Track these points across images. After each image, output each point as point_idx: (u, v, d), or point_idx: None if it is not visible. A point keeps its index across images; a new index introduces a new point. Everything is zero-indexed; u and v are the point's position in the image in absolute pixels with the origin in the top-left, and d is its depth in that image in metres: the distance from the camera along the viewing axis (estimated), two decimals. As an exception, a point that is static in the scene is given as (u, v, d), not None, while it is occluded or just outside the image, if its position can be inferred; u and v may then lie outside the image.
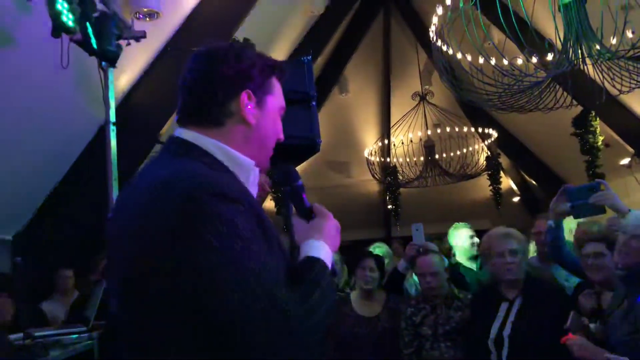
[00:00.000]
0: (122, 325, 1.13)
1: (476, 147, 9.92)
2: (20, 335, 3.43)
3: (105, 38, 3.72)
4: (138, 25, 4.54)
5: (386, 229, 13.68)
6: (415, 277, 3.79)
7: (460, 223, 4.28)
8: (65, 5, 3.39)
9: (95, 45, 3.72)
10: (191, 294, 0.98)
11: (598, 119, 8.17)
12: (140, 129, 5.34)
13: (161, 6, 4.74)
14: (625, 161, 8.86)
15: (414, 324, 3.10)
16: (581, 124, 8.25)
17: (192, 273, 0.98)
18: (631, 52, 4.09)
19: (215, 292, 0.97)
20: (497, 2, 4.39)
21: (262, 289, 1.00)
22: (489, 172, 11.06)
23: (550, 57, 4.61)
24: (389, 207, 12.44)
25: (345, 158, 12.26)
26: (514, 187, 13.81)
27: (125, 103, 5.46)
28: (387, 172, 10.94)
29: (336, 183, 12.39)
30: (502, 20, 4.36)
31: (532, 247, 3.91)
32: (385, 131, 11.77)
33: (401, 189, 11.64)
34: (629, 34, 4.12)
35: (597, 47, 4.12)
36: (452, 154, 9.88)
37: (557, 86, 4.89)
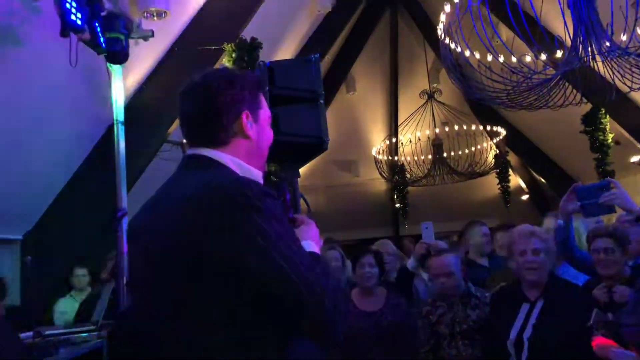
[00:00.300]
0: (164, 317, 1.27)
1: (484, 145, 9.88)
2: (30, 333, 3.45)
3: (113, 37, 3.73)
4: (146, 25, 4.56)
5: (394, 227, 13.66)
6: (424, 275, 3.77)
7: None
8: (74, 4, 3.40)
9: (103, 45, 3.74)
10: (256, 272, 1.18)
11: (608, 116, 8.11)
12: (149, 128, 5.35)
13: (169, 5, 4.75)
14: (635, 159, 8.79)
15: (431, 322, 3.08)
16: (591, 122, 8.20)
17: (255, 254, 1.18)
18: (642, 49, 4.05)
19: (275, 269, 1.17)
20: (506, -1, 4.37)
21: (304, 265, 1.21)
22: (498, 171, 11.02)
23: (559, 54, 4.58)
24: (397, 205, 12.42)
25: (353, 157, 12.24)
26: (523, 186, 13.74)
27: (134, 102, 5.48)
28: (395, 170, 10.93)
29: (344, 182, 12.38)
30: (510, 18, 4.34)
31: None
32: (393, 129, 11.75)
33: (409, 188, 11.62)
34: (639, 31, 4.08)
35: (607, 43, 4.08)
36: (460, 152, 9.85)
37: (567, 83, 4.86)
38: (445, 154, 9.74)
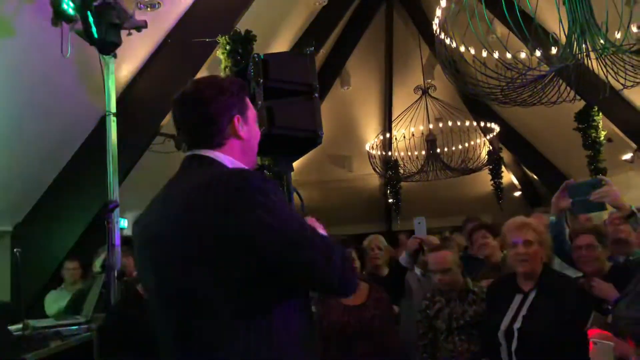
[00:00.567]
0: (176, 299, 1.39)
1: (478, 141, 9.90)
2: (20, 326, 3.42)
3: (106, 27, 3.68)
4: (139, 16, 4.51)
5: (387, 223, 13.68)
6: (417, 270, 3.77)
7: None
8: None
9: (96, 35, 3.69)
10: (266, 245, 1.30)
11: (601, 113, 8.14)
12: (141, 120, 5.31)
13: (163, -4, 4.72)
14: (627, 156, 8.85)
15: (428, 317, 3.09)
16: (584, 119, 8.23)
17: (262, 228, 1.30)
18: (636, 46, 4.06)
19: (284, 237, 1.31)
20: (501, -5, 4.35)
21: (308, 230, 1.36)
22: (491, 167, 11.05)
23: (554, 51, 4.58)
24: (390, 201, 12.42)
25: (347, 152, 12.23)
26: (516, 182, 13.80)
27: (126, 94, 5.43)
28: (389, 165, 10.93)
29: (337, 177, 12.38)
30: (506, 14, 4.33)
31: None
32: (387, 125, 11.74)
33: (402, 183, 11.62)
34: (634, 29, 4.08)
35: (602, 41, 4.09)
36: (453, 148, 9.86)
37: (561, 80, 4.86)
38: (438, 150, 9.75)
